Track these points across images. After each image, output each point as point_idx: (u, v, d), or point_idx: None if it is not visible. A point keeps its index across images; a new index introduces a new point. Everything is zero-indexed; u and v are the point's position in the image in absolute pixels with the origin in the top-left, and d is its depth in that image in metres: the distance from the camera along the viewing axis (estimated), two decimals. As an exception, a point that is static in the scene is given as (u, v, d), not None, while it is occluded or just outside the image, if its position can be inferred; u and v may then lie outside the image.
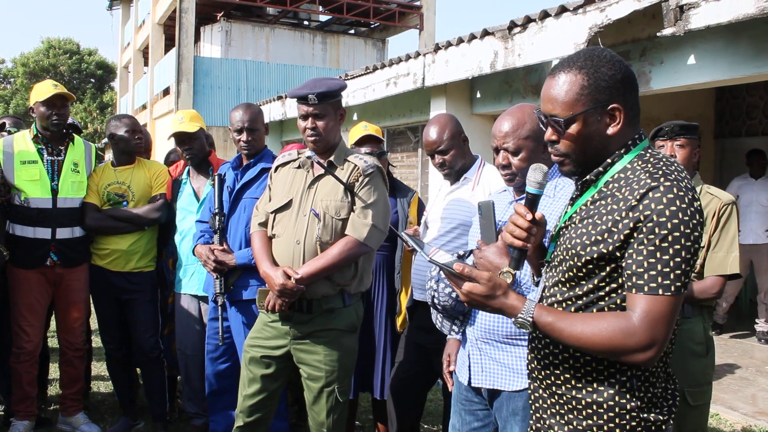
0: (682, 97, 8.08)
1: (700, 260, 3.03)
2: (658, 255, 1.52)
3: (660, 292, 1.53)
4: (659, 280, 1.53)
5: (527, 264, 2.18)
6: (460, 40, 6.28)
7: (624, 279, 1.59)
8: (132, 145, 4.19)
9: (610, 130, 1.66)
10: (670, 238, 1.52)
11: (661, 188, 1.54)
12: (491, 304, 1.68)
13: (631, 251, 1.56)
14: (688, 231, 1.52)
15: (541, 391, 1.82)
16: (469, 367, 2.48)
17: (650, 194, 1.54)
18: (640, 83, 4.91)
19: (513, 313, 1.66)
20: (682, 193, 1.54)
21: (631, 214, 1.56)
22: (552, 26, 5.15)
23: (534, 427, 1.86)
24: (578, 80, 1.66)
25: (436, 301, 2.43)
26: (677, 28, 4.16)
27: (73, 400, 4.27)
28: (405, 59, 7.30)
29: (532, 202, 1.82)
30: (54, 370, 5.17)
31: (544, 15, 5.21)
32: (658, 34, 4.33)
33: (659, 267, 1.53)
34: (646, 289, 1.54)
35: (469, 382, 2.48)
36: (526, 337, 2.33)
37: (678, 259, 1.52)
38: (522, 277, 2.32)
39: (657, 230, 1.52)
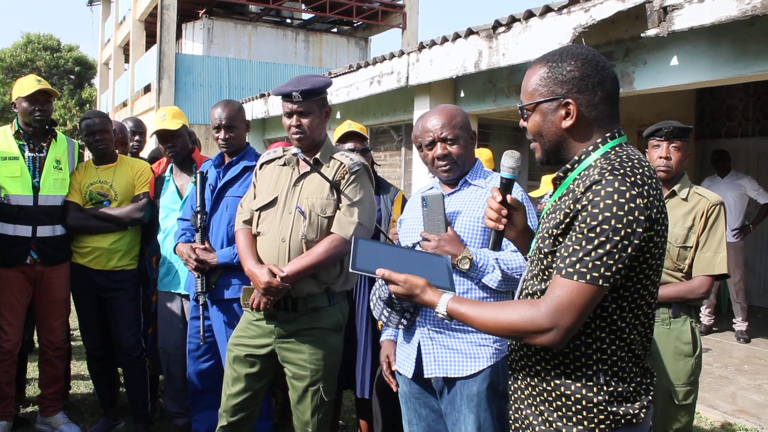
0: (664, 98, 8.16)
1: (688, 260, 3.05)
2: (583, 243, 1.56)
3: (574, 278, 1.57)
4: (576, 266, 1.56)
5: (484, 252, 2.47)
6: (445, 39, 6.28)
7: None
8: (95, 149, 4.10)
9: (565, 124, 1.72)
10: (597, 229, 1.55)
11: (603, 181, 1.57)
12: (415, 300, 1.88)
13: (563, 239, 1.62)
14: (619, 225, 1.54)
15: (519, 382, 1.85)
16: (419, 359, 2.51)
17: (593, 187, 1.57)
18: (624, 84, 4.94)
19: (432, 308, 1.84)
20: (624, 188, 1.55)
21: (574, 206, 1.60)
22: (536, 26, 5.16)
23: (513, 418, 1.89)
24: (540, 72, 1.76)
25: (393, 294, 2.44)
26: (661, 29, 4.19)
27: (52, 400, 4.21)
28: (389, 58, 7.28)
29: (506, 186, 1.97)
30: (33, 370, 5.10)
31: (529, 15, 5.23)
32: (642, 35, 4.36)
33: (580, 254, 1.56)
34: (563, 272, 1.59)
35: (419, 375, 2.51)
36: None
37: (600, 251, 1.54)
38: (478, 261, 2.44)
39: (588, 220, 1.56)
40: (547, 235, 1.68)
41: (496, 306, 1.75)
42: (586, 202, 1.57)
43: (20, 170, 3.88)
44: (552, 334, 1.60)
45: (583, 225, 1.56)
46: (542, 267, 1.73)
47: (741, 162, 8.45)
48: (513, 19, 5.40)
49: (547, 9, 5.03)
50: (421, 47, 6.68)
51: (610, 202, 1.54)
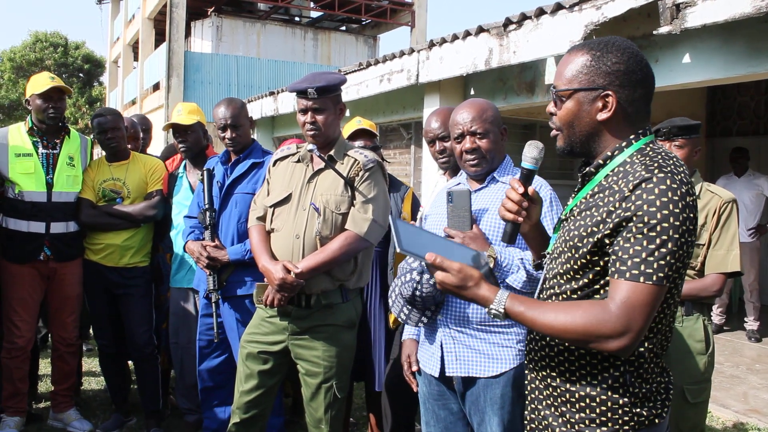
0: (674, 96, 8.11)
1: (701, 258, 3.04)
2: (644, 243, 1.52)
3: (641, 279, 1.53)
4: (642, 267, 1.53)
5: (509, 251, 2.36)
6: (455, 37, 6.26)
7: (609, 264, 1.60)
8: (107, 146, 4.11)
9: (601, 116, 1.68)
10: (658, 228, 1.52)
11: (654, 179, 1.54)
12: (464, 294, 1.72)
13: (618, 239, 1.57)
14: (678, 223, 1.52)
15: (537, 383, 1.83)
16: (442, 358, 2.47)
17: (643, 185, 1.54)
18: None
19: (485, 304, 1.70)
20: (675, 186, 1.54)
21: (623, 205, 1.56)
22: (548, 23, 5.14)
23: (529, 418, 1.87)
24: (582, 59, 1.70)
25: (417, 292, 2.40)
26: (673, 26, 4.17)
27: (64, 396, 4.24)
28: (399, 55, 7.27)
29: (527, 177, 1.92)
30: (45, 366, 5.12)
31: (540, 12, 5.21)
32: (654, 32, 4.33)
33: (643, 255, 1.53)
34: (627, 275, 1.54)
35: (442, 374, 2.47)
36: (501, 324, 2.37)
37: (663, 250, 1.52)
38: (503, 261, 2.38)
39: (646, 219, 1.52)
40: (585, 233, 1.64)
41: (559, 307, 1.64)
42: (640, 202, 1.53)
43: (34, 167, 3.90)
44: (626, 338, 1.54)
45: (641, 225, 1.52)
46: (575, 266, 1.68)
47: (753, 160, 8.39)
48: (524, 17, 5.38)
49: (559, 6, 5.01)
50: (432, 45, 6.67)
51: (665, 200, 1.52)
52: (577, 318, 1.57)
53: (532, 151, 1.91)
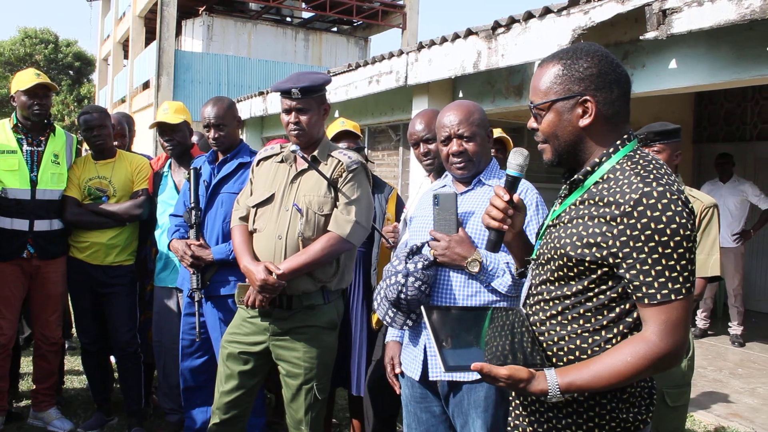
0: (662, 102, 8.16)
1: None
2: (664, 262, 1.53)
3: (672, 297, 1.54)
4: (670, 285, 1.53)
5: (495, 255, 2.31)
6: (444, 39, 6.27)
7: (631, 291, 1.58)
8: (93, 144, 4.08)
9: (583, 122, 1.68)
10: (672, 244, 1.52)
11: (655, 193, 1.54)
12: (517, 392, 1.69)
13: (632, 262, 1.56)
14: (688, 233, 1.53)
15: None
16: (425, 361, 2.46)
17: (644, 201, 1.54)
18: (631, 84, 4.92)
19: (545, 396, 1.63)
20: (675, 197, 1.54)
21: (626, 221, 1.55)
22: (536, 27, 5.16)
23: (513, 424, 1.86)
24: (554, 70, 1.70)
25: (402, 295, 2.38)
26: (660, 32, 4.19)
27: (45, 395, 4.21)
28: (388, 57, 7.28)
29: (512, 184, 1.90)
30: (26, 364, 5.09)
31: (528, 16, 5.22)
32: (641, 37, 4.35)
33: (667, 273, 1.53)
34: (659, 297, 1.54)
35: (425, 377, 2.47)
36: None
37: (684, 262, 1.53)
38: (488, 264, 2.38)
39: (657, 237, 1.52)
40: (581, 243, 1.63)
41: (606, 359, 1.60)
42: (646, 220, 1.53)
43: (18, 164, 3.87)
44: (679, 356, 1.58)
45: (653, 244, 1.52)
46: (569, 273, 1.67)
47: (738, 166, 8.45)
48: (512, 20, 5.40)
49: (547, 10, 5.03)
50: (420, 47, 6.67)
51: (671, 213, 1.52)
52: (629, 363, 1.56)
53: (517, 158, 1.89)
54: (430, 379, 2.46)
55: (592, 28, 4.66)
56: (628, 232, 1.55)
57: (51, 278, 4.03)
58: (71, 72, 34.37)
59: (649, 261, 1.53)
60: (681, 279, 1.53)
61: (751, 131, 8.83)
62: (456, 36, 6.09)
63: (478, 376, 2.34)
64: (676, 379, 3.02)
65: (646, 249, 1.53)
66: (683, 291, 1.54)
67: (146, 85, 18.42)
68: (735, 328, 7.10)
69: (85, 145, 4.35)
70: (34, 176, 3.91)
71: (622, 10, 4.41)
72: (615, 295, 1.62)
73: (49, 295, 4.06)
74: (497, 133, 4.27)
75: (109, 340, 4.19)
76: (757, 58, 4.17)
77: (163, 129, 4.02)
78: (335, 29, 21.06)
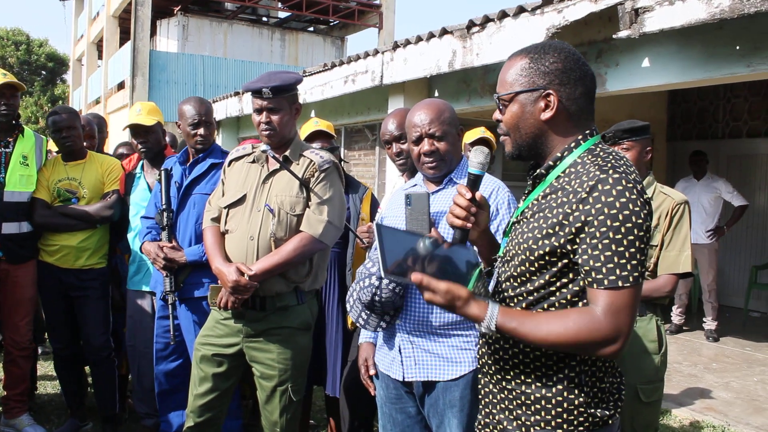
0: (636, 100, 8.24)
1: (653, 259, 3.07)
2: (614, 248, 1.53)
3: (620, 284, 1.54)
4: (617, 272, 1.54)
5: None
6: (419, 39, 6.27)
7: (582, 275, 1.59)
8: (62, 146, 4.02)
9: (544, 116, 1.69)
10: (623, 230, 1.53)
11: (610, 180, 1.55)
12: (453, 312, 1.66)
13: (585, 246, 1.57)
14: (640, 221, 1.54)
15: (491, 386, 1.82)
16: (402, 362, 2.45)
17: (599, 186, 1.55)
18: (596, 85, 4.96)
19: (476, 321, 1.65)
20: (631, 185, 1.56)
21: (581, 207, 1.57)
22: (510, 26, 5.17)
23: (483, 422, 1.86)
24: (521, 63, 1.73)
25: (376, 297, 2.37)
26: (632, 30, 4.22)
27: (17, 402, 4.13)
28: (363, 57, 7.26)
29: (474, 182, 1.90)
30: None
31: (503, 15, 5.24)
32: (614, 36, 4.39)
33: (615, 259, 1.54)
34: (606, 282, 1.55)
35: (403, 378, 2.46)
36: (459, 327, 2.38)
37: (633, 250, 1.54)
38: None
39: (609, 223, 1.53)
40: (540, 235, 1.63)
41: (549, 318, 1.61)
42: (600, 205, 1.54)
43: (-16, 166, 3.80)
44: (618, 343, 1.55)
45: (604, 229, 1.53)
46: (531, 268, 1.67)
47: (711, 163, 8.56)
48: (487, 19, 5.41)
49: (521, 9, 5.05)
50: (396, 46, 6.67)
51: (624, 200, 1.53)
52: (569, 328, 1.56)
53: (478, 156, 1.90)
54: (406, 379, 2.45)
55: (566, 26, 4.68)
56: (583, 217, 1.56)
57: (21, 282, 3.96)
58: (44, 73, 33.91)
59: (600, 246, 1.55)
60: (629, 267, 1.54)
61: (723, 129, 8.95)
62: (431, 35, 6.09)
63: (454, 376, 2.36)
64: (650, 375, 3.03)
65: (597, 234, 1.55)
66: (630, 279, 1.54)
67: (121, 86, 18.20)
68: (709, 324, 7.19)
69: (51, 145, 4.28)
70: (2, 178, 3.84)
71: (596, 9, 4.43)
72: (577, 288, 1.63)
73: (19, 300, 3.99)
74: (482, 132, 4.29)
75: (82, 345, 4.13)
76: (728, 57, 4.21)
77: (136, 131, 3.96)
78: (312, 29, 20.98)
